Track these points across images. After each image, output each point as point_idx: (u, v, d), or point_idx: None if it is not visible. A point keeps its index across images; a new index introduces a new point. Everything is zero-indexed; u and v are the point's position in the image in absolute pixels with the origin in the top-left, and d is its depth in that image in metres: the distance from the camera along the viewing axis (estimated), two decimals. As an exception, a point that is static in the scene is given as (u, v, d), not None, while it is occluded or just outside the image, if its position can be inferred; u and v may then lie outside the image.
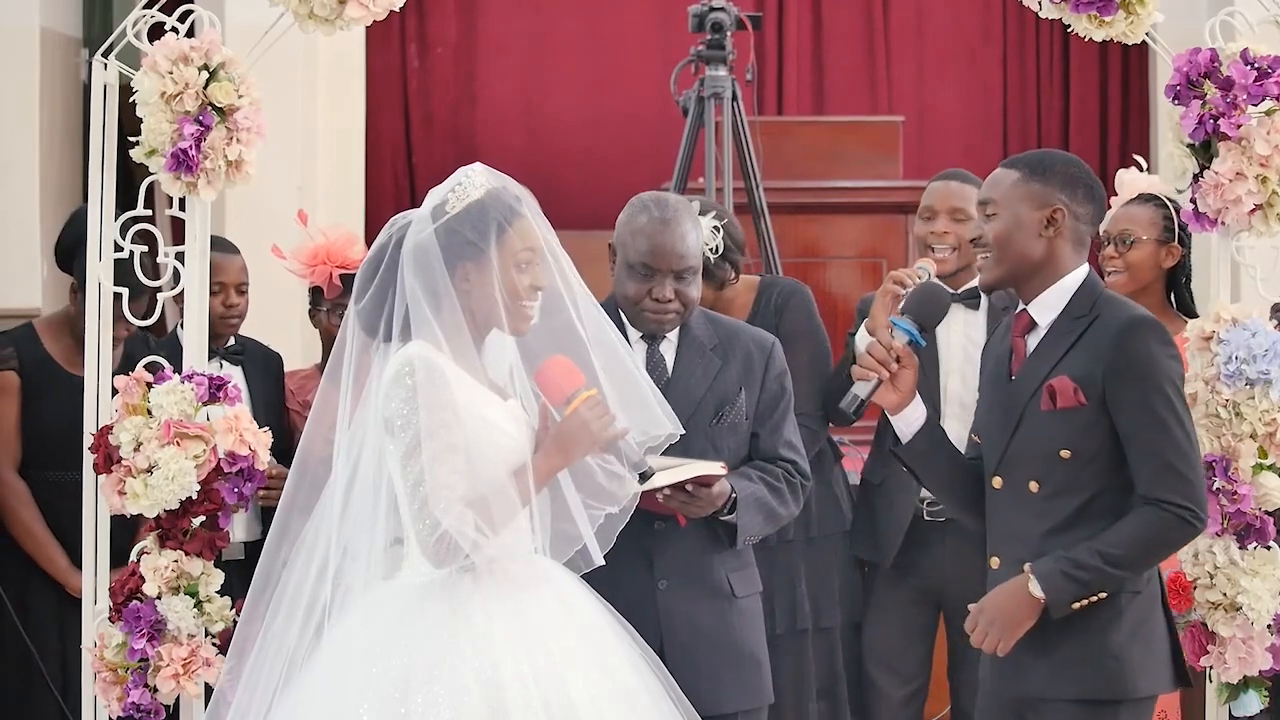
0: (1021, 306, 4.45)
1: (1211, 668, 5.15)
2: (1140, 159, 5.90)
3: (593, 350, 4.21)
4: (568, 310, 4.20)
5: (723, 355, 4.86)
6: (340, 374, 4.19)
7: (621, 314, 4.84)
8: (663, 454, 4.52)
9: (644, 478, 4.28)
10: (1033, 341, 4.40)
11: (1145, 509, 4.21)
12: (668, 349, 4.85)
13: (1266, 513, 5.12)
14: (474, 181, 4.15)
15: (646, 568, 4.73)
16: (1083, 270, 4.40)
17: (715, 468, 4.63)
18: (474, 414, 4.03)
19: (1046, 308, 4.38)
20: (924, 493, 5.51)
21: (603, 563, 4.23)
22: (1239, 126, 5.10)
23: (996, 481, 4.41)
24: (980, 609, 4.30)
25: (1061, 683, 4.26)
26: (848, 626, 5.85)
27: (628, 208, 4.88)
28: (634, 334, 4.84)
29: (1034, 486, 4.33)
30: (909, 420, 4.47)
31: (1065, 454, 4.28)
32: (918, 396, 4.47)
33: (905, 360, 4.41)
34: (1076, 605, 4.20)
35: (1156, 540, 4.23)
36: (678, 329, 4.87)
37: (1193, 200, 5.21)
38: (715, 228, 5.60)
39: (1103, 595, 4.21)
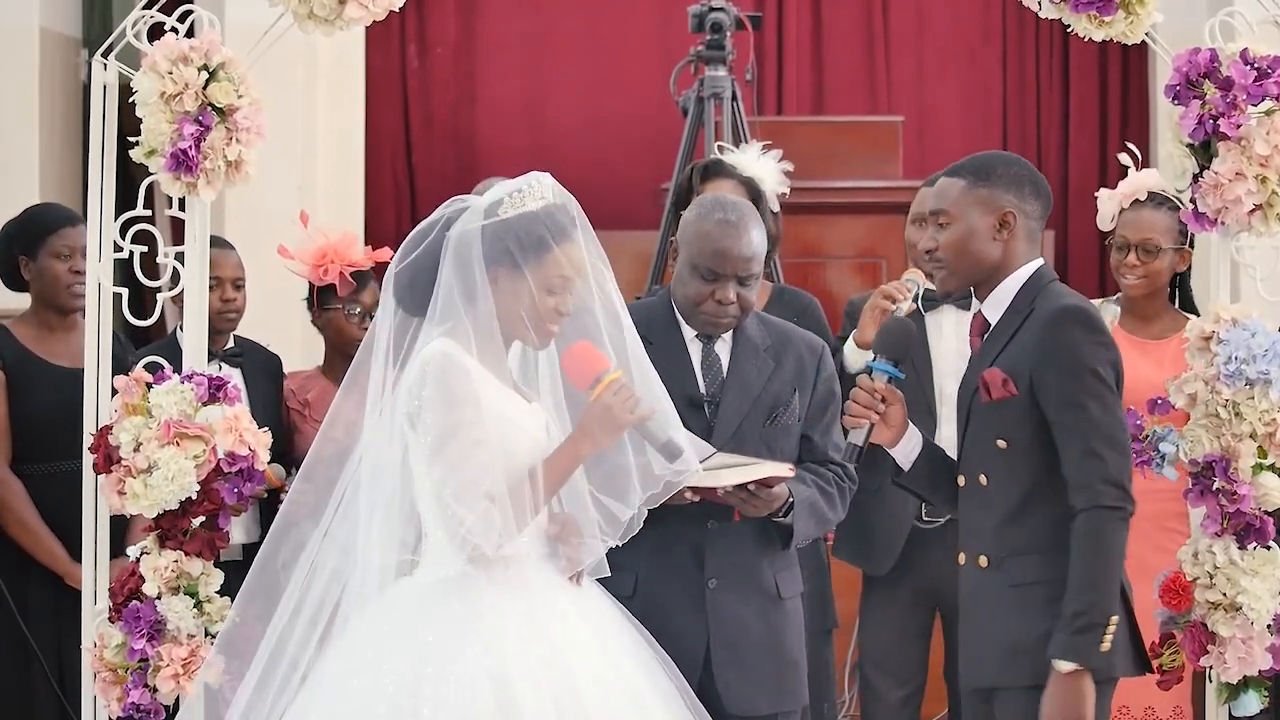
0: (976, 308, 4.50)
1: (1211, 668, 5.15)
2: (1134, 148, 5.87)
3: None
4: (600, 333, 4.20)
5: (776, 357, 4.86)
6: (358, 375, 4.18)
7: (677, 311, 4.85)
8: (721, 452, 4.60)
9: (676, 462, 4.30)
10: (985, 340, 4.46)
11: (1078, 531, 4.21)
12: (723, 349, 4.84)
13: (1266, 513, 5.12)
14: (535, 191, 4.15)
15: (697, 566, 4.73)
16: (1032, 265, 4.44)
17: (783, 469, 4.63)
18: (496, 412, 4.05)
19: (996, 306, 4.44)
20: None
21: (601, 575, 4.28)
22: (1238, 126, 5.10)
23: (960, 480, 4.48)
24: None
25: (1013, 671, 4.30)
26: (817, 633, 5.85)
27: (695, 208, 4.86)
28: (689, 333, 4.84)
29: (983, 479, 4.39)
30: (907, 451, 4.52)
31: (1001, 444, 4.33)
32: (910, 426, 4.51)
33: (890, 398, 4.45)
34: (1106, 646, 4.19)
35: (1108, 552, 4.22)
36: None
37: (1192, 200, 5.22)
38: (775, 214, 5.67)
39: (1115, 619, 4.20)
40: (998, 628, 4.33)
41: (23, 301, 5.99)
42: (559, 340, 4.21)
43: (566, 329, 4.20)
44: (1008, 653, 4.31)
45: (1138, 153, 5.77)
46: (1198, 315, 5.69)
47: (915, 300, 5.53)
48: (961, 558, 4.46)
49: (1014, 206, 4.39)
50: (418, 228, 4.20)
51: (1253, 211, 5.14)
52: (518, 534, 4.02)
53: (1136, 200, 5.71)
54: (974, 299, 5.57)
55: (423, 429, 4.02)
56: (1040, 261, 4.45)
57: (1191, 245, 5.67)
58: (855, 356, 5.52)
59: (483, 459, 3.99)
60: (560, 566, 4.17)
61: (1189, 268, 5.75)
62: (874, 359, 4.47)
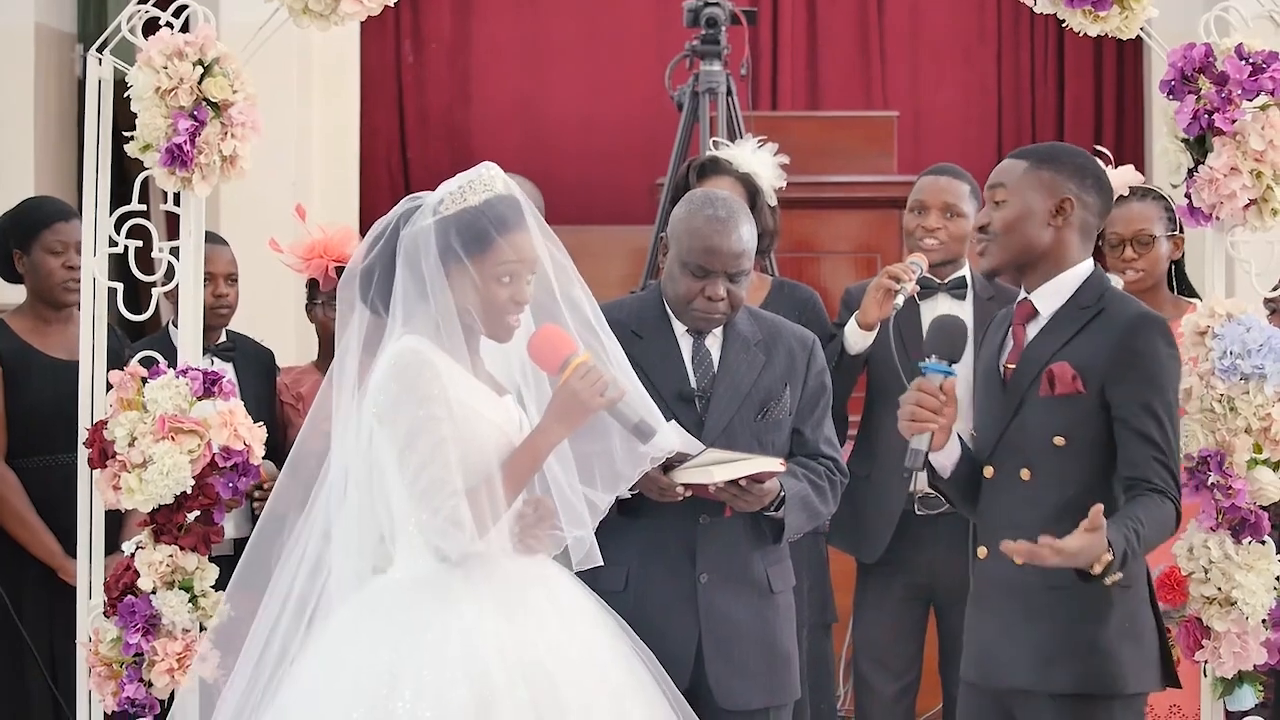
0: (1023, 295, 4.44)
1: (1206, 662, 5.16)
2: (1105, 150, 5.90)
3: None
4: (563, 319, 4.18)
5: (766, 351, 4.85)
6: (337, 365, 4.18)
7: (667, 306, 4.85)
8: (711, 447, 4.59)
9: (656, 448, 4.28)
10: (1033, 330, 4.40)
11: (1154, 495, 4.19)
12: (713, 344, 4.84)
13: (1261, 507, 5.12)
14: (480, 185, 4.12)
15: (689, 561, 4.73)
16: (1090, 263, 4.41)
17: (774, 464, 4.63)
18: (465, 407, 4.03)
19: (1051, 296, 4.38)
20: (914, 487, 5.53)
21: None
22: (1234, 121, 5.11)
23: (989, 471, 4.41)
24: (1054, 548, 4.04)
25: (1048, 676, 4.25)
26: (817, 627, 5.85)
27: (685, 204, 4.85)
28: (680, 328, 4.83)
29: (1025, 474, 4.33)
30: (950, 454, 4.42)
31: (1059, 441, 4.28)
32: (954, 431, 4.43)
33: (951, 399, 4.34)
34: (1110, 580, 4.08)
35: (1165, 528, 4.23)
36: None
37: (1187, 195, 5.22)
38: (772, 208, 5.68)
39: (1118, 577, 4.11)
40: (1034, 630, 4.27)
41: (19, 294, 5.99)
42: (525, 330, 4.19)
43: (529, 316, 4.18)
44: (1045, 658, 4.25)
45: (1109, 153, 5.80)
46: (1198, 298, 5.70)
47: (918, 282, 5.54)
48: (983, 551, 4.41)
49: (1073, 195, 4.37)
50: (373, 228, 4.19)
51: (1248, 206, 5.15)
52: (489, 529, 4.00)
53: (1121, 196, 5.73)
54: (969, 288, 5.64)
55: (391, 426, 4.01)
56: (1093, 261, 4.43)
57: (1181, 231, 5.69)
58: (857, 338, 5.52)
59: (451, 456, 3.97)
60: (521, 546, 4.13)
61: (1182, 254, 5.78)
62: (926, 360, 4.36)
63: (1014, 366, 4.41)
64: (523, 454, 4.09)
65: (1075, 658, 4.23)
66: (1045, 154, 4.44)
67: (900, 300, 5.44)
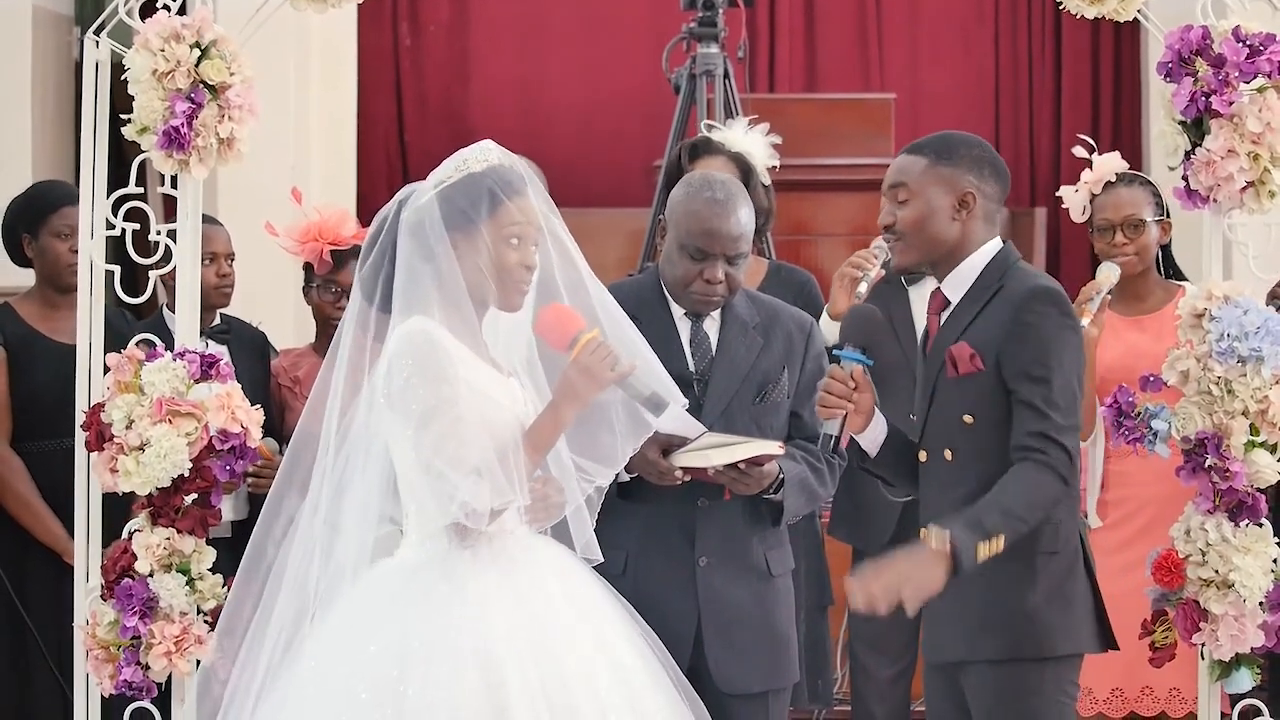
0: (936, 286, 4.49)
1: (1204, 645, 5.16)
2: (1088, 139, 5.91)
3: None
4: (561, 296, 4.18)
5: (764, 334, 4.86)
6: (337, 350, 4.18)
7: (665, 289, 4.85)
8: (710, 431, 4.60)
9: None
10: (945, 317, 4.45)
11: (1026, 464, 4.21)
12: (711, 327, 4.85)
13: (1258, 490, 5.12)
14: (479, 156, 4.16)
15: (688, 544, 4.74)
16: (994, 245, 4.45)
17: (773, 447, 4.64)
18: (475, 390, 4.03)
19: (957, 284, 4.43)
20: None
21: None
22: (1231, 104, 5.10)
23: (922, 455, 4.48)
24: (888, 575, 4.19)
25: (979, 645, 4.33)
26: (814, 610, 5.85)
27: (682, 186, 4.85)
28: (678, 311, 4.84)
29: (948, 455, 4.39)
30: (874, 437, 4.50)
31: (968, 419, 4.33)
32: (877, 413, 4.48)
33: (862, 385, 4.42)
34: (980, 557, 4.13)
35: (1038, 496, 4.22)
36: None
37: (1184, 177, 5.22)
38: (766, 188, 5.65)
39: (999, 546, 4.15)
40: (964, 604, 4.32)
41: (28, 277, 6.00)
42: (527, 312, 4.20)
43: (535, 294, 4.19)
44: (975, 628, 4.32)
45: (1092, 142, 5.81)
46: (1188, 281, 5.69)
47: (885, 267, 5.52)
48: (923, 533, 4.45)
49: (974, 187, 4.41)
50: (374, 222, 4.20)
51: (1245, 189, 5.15)
52: (508, 505, 4.00)
53: (1108, 182, 5.73)
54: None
55: (403, 409, 4.00)
56: (1001, 242, 4.47)
57: (1168, 215, 5.69)
58: (828, 329, 5.51)
59: (467, 434, 3.97)
60: (529, 516, 4.14)
61: (1170, 239, 5.78)
62: (841, 348, 4.43)
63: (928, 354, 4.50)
64: (536, 433, 4.09)
65: (1004, 625, 4.30)
66: (941, 148, 4.47)
67: (864, 288, 5.43)
